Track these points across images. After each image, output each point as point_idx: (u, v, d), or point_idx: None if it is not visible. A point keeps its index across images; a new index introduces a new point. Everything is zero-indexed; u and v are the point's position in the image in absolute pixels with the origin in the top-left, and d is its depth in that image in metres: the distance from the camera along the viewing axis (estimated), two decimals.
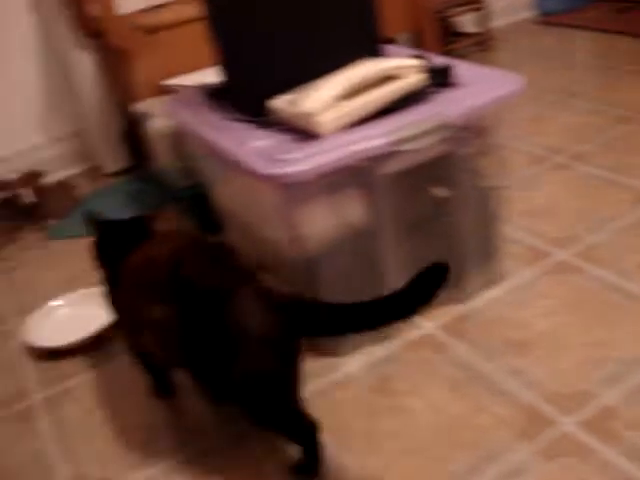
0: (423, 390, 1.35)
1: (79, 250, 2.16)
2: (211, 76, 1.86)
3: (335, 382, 1.40)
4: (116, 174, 2.65)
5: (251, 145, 1.33)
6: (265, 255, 1.59)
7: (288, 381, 1.13)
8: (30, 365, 1.68)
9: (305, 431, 1.17)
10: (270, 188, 1.29)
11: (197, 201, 1.98)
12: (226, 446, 1.31)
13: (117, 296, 1.32)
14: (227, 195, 1.70)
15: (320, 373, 1.43)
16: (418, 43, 2.84)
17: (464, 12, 3.21)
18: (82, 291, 1.87)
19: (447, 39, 3.11)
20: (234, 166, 1.37)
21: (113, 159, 2.65)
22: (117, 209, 2.35)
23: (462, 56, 3.00)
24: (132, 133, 2.56)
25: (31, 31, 2.60)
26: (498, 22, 3.42)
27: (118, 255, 1.29)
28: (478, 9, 3.21)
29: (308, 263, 1.37)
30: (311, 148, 1.27)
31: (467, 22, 3.27)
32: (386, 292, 1.07)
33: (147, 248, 1.24)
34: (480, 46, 3.24)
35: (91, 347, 1.68)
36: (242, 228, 1.68)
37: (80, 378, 1.59)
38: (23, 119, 2.68)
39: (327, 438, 1.25)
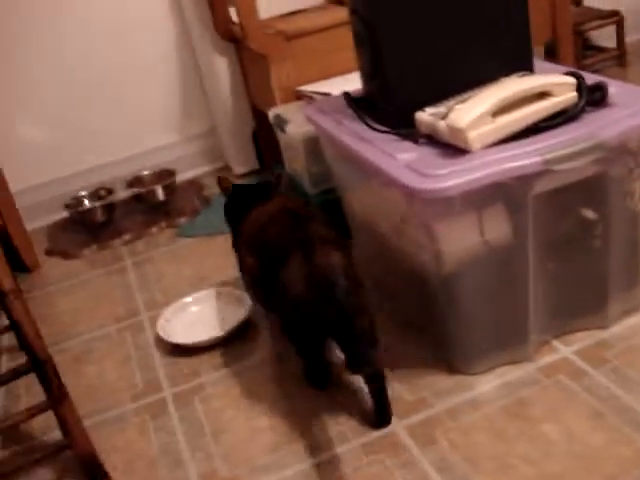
0: (560, 417, 1.31)
1: (208, 249, 2.22)
2: (348, 84, 1.87)
3: (468, 401, 1.38)
4: (245, 175, 2.70)
5: (398, 158, 1.32)
6: (398, 267, 1.58)
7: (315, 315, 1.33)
8: (161, 359, 1.73)
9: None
10: (415, 201, 1.28)
11: (328, 207, 1.99)
12: (356, 455, 1.31)
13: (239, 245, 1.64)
14: (362, 204, 1.70)
15: (453, 391, 1.40)
16: (553, 55, 2.77)
17: (600, 26, 3.11)
18: (211, 290, 1.91)
19: (582, 53, 3.03)
20: (379, 177, 1.37)
21: (242, 160, 2.70)
22: None
23: (597, 71, 2.91)
24: (263, 136, 2.61)
25: (172, 32, 2.69)
26: (633, 37, 3.30)
27: (245, 212, 1.62)
28: (615, 22, 3.10)
29: (446, 279, 1.35)
30: (460, 164, 1.25)
31: (603, 36, 3.17)
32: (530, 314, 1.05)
33: (258, 210, 1.58)
34: (616, 61, 3.13)
35: (221, 346, 1.71)
36: (374, 238, 1.68)
37: (210, 376, 1.63)
38: (158, 117, 2.78)
39: (457, 457, 1.24)
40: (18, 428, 1.59)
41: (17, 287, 1.32)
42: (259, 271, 1.47)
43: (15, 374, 1.52)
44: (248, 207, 1.61)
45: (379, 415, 1.38)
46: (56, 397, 1.34)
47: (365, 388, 1.39)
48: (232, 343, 1.72)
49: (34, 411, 1.39)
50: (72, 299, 2.12)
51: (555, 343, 1.48)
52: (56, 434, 1.50)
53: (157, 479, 1.37)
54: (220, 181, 1.78)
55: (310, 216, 1.46)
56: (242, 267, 1.62)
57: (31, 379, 1.44)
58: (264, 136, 2.59)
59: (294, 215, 1.48)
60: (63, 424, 1.36)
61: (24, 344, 1.35)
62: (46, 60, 2.59)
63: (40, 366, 1.33)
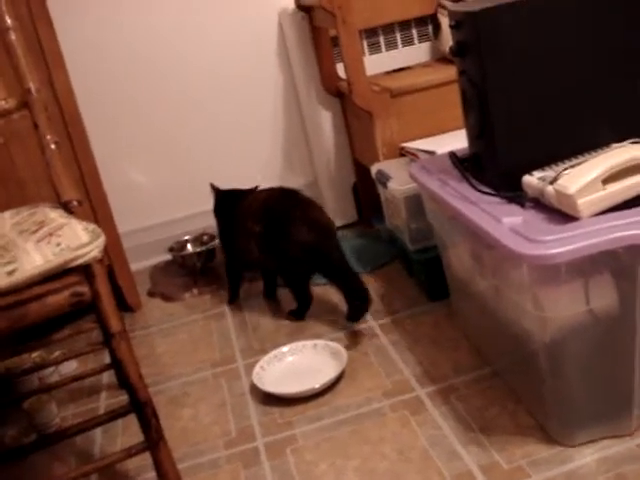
0: None
1: None
2: (451, 142, 1.88)
3: (565, 474, 1.33)
4: (343, 227, 2.72)
5: (504, 221, 1.32)
6: (497, 329, 1.56)
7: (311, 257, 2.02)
8: (255, 407, 1.74)
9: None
10: (522, 267, 1.26)
11: (427, 265, 1.99)
12: None
13: (227, 235, 2.29)
14: (462, 263, 1.69)
15: (551, 462, 1.36)
16: None
17: None
18: (308, 341, 1.92)
19: None
20: (483, 240, 1.37)
21: (342, 213, 2.73)
22: None
23: None
24: (363, 190, 2.64)
25: (280, 86, 2.77)
26: None
27: (231, 209, 2.26)
28: None
29: (549, 346, 1.32)
30: (568, 231, 1.23)
31: None
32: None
33: (255, 194, 2.22)
34: None
35: (315, 398, 1.72)
36: (473, 298, 1.66)
37: (303, 428, 1.63)
38: (262, 168, 2.84)
39: None
40: (114, 467, 1.63)
41: (124, 328, 1.37)
42: (265, 234, 2.04)
43: (115, 414, 1.57)
44: (234, 205, 2.24)
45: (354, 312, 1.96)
46: (153, 439, 1.38)
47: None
48: (326, 396, 1.72)
49: (131, 452, 1.42)
50: (171, 341, 2.17)
51: None
52: (151, 475, 1.53)
53: None
54: (212, 187, 2.36)
55: (298, 191, 2.14)
56: (238, 244, 2.19)
57: (129, 419, 1.48)
58: (365, 190, 2.62)
59: (287, 191, 2.15)
60: (159, 466, 1.39)
61: (126, 384, 1.39)
62: (159, 108, 2.70)
63: (140, 407, 1.37)
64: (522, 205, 1.39)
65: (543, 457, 1.38)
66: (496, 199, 1.43)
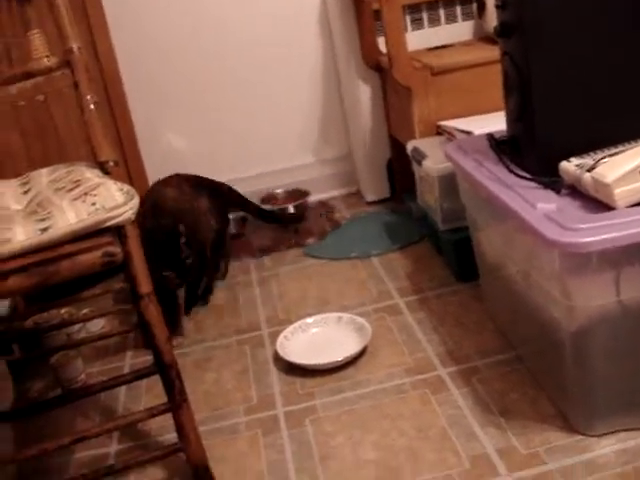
0: None
1: (333, 272, 2.24)
2: (489, 123, 1.86)
3: (583, 463, 1.33)
4: (374, 203, 2.72)
5: (538, 206, 1.30)
6: (525, 314, 1.55)
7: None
8: (277, 376, 1.76)
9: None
10: (553, 254, 1.25)
11: (457, 245, 1.98)
12: None
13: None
14: (493, 246, 1.68)
15: (569, 450, 1.36)
16: None
17: None
18: (333, 314, 1.93)
19: None
20: (516, 224, 1.36)
21: (374, 188, 2.73)
22: (371, 238, 2.41)
23: None
24: (397, 166, 2.63)
25: (320, 56, 2.76)
26: None
27: None
28: None
29: (576, 335, 1.32)
30: (603, 220, 1.22)
31: None
32: None
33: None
34: None
35: (337, 371, 1.73)
36: (503, 281, 1.65)
37: (323, 399, 1.64)
38: (297, 138, 2.84)
39: None
40: (136, 426, 1.65)
41: (152, 290, 1.38)
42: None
43: (139, 374, 1.59)
44: None
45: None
46: (176, 401, 1.39)
47: None
48: (348, 370, 1.73)
49: (154, 412, 1.44)
50: (198, 307, 2.19)
51: None
52: (171, 436, 1.55)
53: None
54: None
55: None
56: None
57: (153, 380, 1.50)
58: (399, 166, 2.61)
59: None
60: (180, 428, 1.41)
61: (151, 345, 1.41)
62: (198, 75, 2.71)
63: (164, 369, 1.39)
64: (558, 191, 1.37)
65: (561, 445, 1.38)
66: (532, 184, 1.42)
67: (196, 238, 2.09)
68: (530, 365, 1.61)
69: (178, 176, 2.27)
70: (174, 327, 2.04)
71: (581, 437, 1.39)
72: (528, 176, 1.44)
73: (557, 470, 1.32)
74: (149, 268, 1.60)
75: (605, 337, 1.31)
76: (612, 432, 1.38)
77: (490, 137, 1.60)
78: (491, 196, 1.45)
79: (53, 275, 1.22)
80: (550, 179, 1.40)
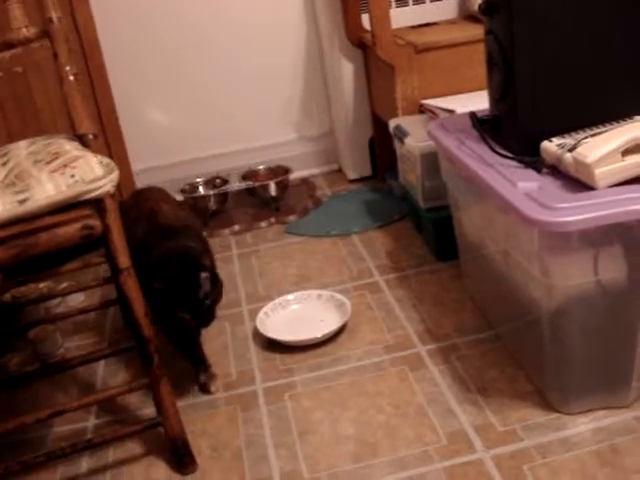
0: None
1: (314, 250, 2.24)
2: (472, 102, 1.86)
3: (560, 441, 1.34)
4: (356, 181, 2.72)
5: (519, 185, 1.31)
6: (504, 293, 1.56)
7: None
8: (256, 352, 1.76)
9: None
10: (533, 233, 1.26)
11: (438, 224, 1.99)
12: (438, 477, 1.30)
13: None
14: (473, 225, 1.68)
15: (546, 428, 1.37)
16: None
17: None
18: (313, 291, 1.93)
19: None
20: (497, 202, 1.36)
21: (356, 166, 2.72)
22: (352, 216, 2.41)
23: None
24: (379, 144, 2.62)
25: (303, 33, 2.73)
26: None
27: None
28: None
29: (554, 314, 1.33)
30: (583, 200, 1.22)
31: None
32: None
33: None
34: None
35: (317, 347, 1.74)
36: (482, 260, 1.66)
37: (302, 376, 1.65)
38: (279, 115, 2.83)
39: None
40: (114, 400, 1.65)
41: (132, 265, 1.38)
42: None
43: (118, 349, 1.59)
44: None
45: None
46: (155, 376, 1.39)
47: None
48: (328, 346, 1.74)
49: (132, 386, 1.44)
50: None
51: None
52: (150, 411, 1.55)
53: (240, 470, 1.40)
54: None
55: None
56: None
57: (132, 354, 1.50)
58: (381, 145, 2.60)
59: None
60: (158, 402, 1.41)
61: (130, 320, 1.41)
62: (180, 48, 2.68)
63: (143, 344, 1.38)
64: (539, 171, 1.38)
65: (538, 422, 1.39)
66: (513, 163, 1.42)
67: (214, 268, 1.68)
68: (508, 343, 1.63)
69: (151, 190, 1.95)
70: (199, 362, 1.69)
71: (558, 415, 1.40)
72: (509, 155, 1.44)
73: (533, 447, 1.33)
74: (160, 306, 1.53)
75: (583, 316, 1.32)
76: (588, 410, 1.40)
77: (472, 116, 1.60)
78: (472, 174, 1.45)
79: (32, 247, 1.21)
80: (531, 158, 1.40)
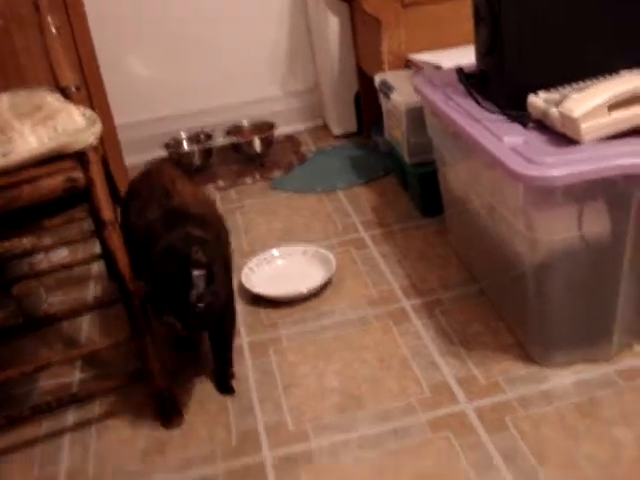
0: (633, 422, 1.28)
1: (298, 205, 2.24)
2: (459, 57, 1.84)
3: (541, 393, 1.36)
4: (341, 136, 2.70)
5: (505, 140, 1.30)
6: (489, 248, 1.57)
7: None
8: (241, 306, 1.76)
9: None
10: (518, 187, 1.26)
11: (423, 180, 1.98)
12: (422, 429, 1.32)
13: None
14: (459, 180, 1.68)
15: (527, 380, 1.39)
16: None
17: None
18: (298, 246, 1.93)
19: None
20: (483, 157, 1.36)
21: (341, 122, 2.70)
22: (337, 172, 2.40)
23: None
24: (365, 100, 2.60)
25: None
26: None
27: None
28: None
29: (538, 268, 1.34)
30: (569, 154, 1.22)
31: None
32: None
33: None
34: None
35: (301, 302, 1.74)
36: (468, 216, 1.67)
37: (287, 330, 1.66)
38: (264, 70, 2.80)
39: (525, 448, 1.24)
40: (99, 355, 1.65)
41: (116, 218, 1.37)
42: None
43: (103, 303, 1.59)
44: None
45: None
46: (140, 329, 1.39)
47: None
48: (312, 301, 1.74)
49: (117, 340, 1.45)
50: None
51: (638, 348, 1.44)
52: (135, 365, 1.55)
53: (226, 423, 1.42)
54: None
55: None
56: None
57: (117, 309, 1.50)
58: (366, 100, 2.58)
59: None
60: (143, 356, 1.41)
61: (115, 274, 1.40)
62: (164, 1, 2.64)
63: (128, 297, 1.38)
64: (525, 125, 1.37)
65: (520, 375, 1.41)
66: (499, 117, 1.41)
67: (226, 267, 1.50)
68: (492, 298, 1.64)
69: (165, 166, 1.73)
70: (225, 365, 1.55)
71: (540, 368, 1.42)
72: (496, 110, 1.43)
73: (515, 399, 1.35)
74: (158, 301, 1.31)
75: (566, 270, 1.33)
76: (570, 363, 1.42)
77: (459, 70, 1.59)
78: (458, 129, 1.45)
79: (15, 200, 1.20)
80: (517, 113, 1.39)
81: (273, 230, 2.12)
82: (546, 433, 1.27)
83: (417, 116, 1.89)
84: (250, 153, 2.56)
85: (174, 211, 1.47)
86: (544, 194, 1.24)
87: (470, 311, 1.61)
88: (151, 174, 1.65)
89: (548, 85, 1.39)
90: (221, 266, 1.41)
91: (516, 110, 1.40)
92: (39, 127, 1.26)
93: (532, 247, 1.32)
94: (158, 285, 1.31)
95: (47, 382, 1.62)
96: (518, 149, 1.27)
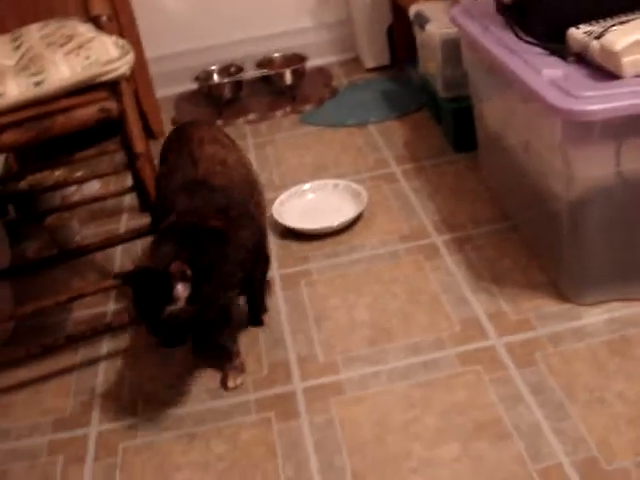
0: None
1: (330, 139, 2.22)
2: None
3: (573, 330, 1.36)
4: (374, 70, 2.66)
5: (544, 73, 1.27)
6: (523, 184, 1.55)
7: None
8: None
9: None
10: (556, 122, 1.23)
11: (457, 114, 1.95)
12: (451, 363, 1.33)
13: None
14: (494, 115, 1.66)
15: (559, 318, 1.39)
16: None
17: None
18: (329, 180, 1.93)
19: None
20: (520, 91, 1.33)
21: (374, 54, 2.66)
22: (369, 105, 2.38)
23: None
24: (398, 32, 2.55)
25: None
26: None
27: None
28: None
29: (574, 205, 1.32)
30: (609, 88, 1.19)
31: None
32: None
33: None
34: None
35: (332, 236, 1.74)
36: (502, 151, 1.64)
37: (318, 263, 1.66)
38: (295, 1, 2.75)
39: (554, 383, 1.24)
40: None
41: (148, 150, 1.37)
42: None
43: (136, 234, 1.60)
44: None
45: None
46: None
47: None
48: (343, 235, 1.74)
49: None
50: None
51: None
52: None
53: (257, 354, 1.44)
54: None
55: None
56: None
57: (148, 240, 1.50)
58: (400, 32, 2.53)
59: None
60: None
61: (147, 206, 1.41)
62: None
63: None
64: (564, 58, 1.34)
65: (551, 312, 1.41)
66: (538, 50, 1.38)
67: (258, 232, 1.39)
68: (524, 234, 1.63)
69: (196, 125, 1.51)
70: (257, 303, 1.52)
71: (571, 305, 1.42)
72: (535, 42, 1.40)
73: (546, 336, 1.35)
74: None
75: (602, 208, 1.31)
76: (602, 302, 1.41)
77: (498, 2, 1.55)
78: (496, 62, 1.42)
79: (48, 130, 1.20)
80: (557, 45, 1.36)
81: (304, 164, 2.11)
82: (576, 369, 1.28)
83: (453, 48, 1.85)
84: (281, 86, 2.53)
85: (195, 182, 1.33)
86: (582, 129, 1.22)
87: (501, 248, 1.61)
88: (181, 135, 1.48)
89: (589, 18, 1.36)
90: (241, 243, 1.29)
91: (555, 43, 1.37)
92: (72, 57, 1.25)
93: (568, 184, 1.30)
94: (131, 288, 1.21)
95: (81, 312, 1.65)
96: (557, 82, 1.24)
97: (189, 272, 1.15)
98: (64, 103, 1.20)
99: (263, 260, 1.45)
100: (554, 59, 1.34)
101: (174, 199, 1.31)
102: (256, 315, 1.51)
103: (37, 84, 1.20)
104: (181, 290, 1.15)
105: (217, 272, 1.22)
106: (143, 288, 1.17)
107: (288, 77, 2.52)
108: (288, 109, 2.45)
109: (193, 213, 1.27)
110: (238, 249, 1.28)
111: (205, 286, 1.18)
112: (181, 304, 1.16)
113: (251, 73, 2.57)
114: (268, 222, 1.80)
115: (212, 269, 1.21)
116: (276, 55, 2.65)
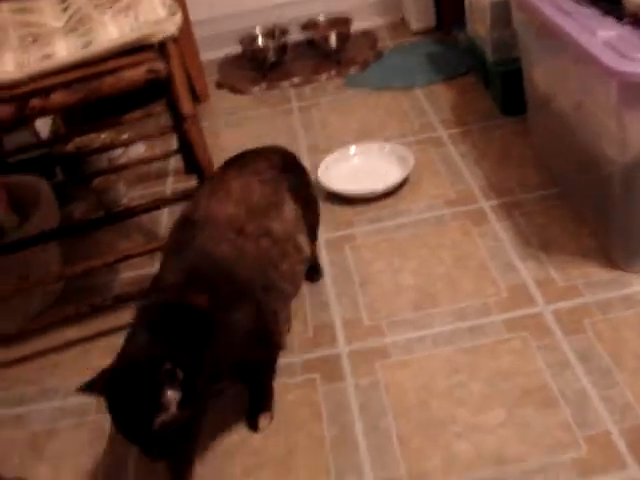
0: None
1: (375, 103, 2.20)
2: None
3: (622, 298, 1.34)
4: (420, 32, 2.61)
5: (598, 34, 1.24)
6: (574, 148, 1.52)
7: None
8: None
9: None
10: (611, 84, 1.20)
11: (506, 77, 1.92)
12: (498, 329, 1.32)
13: None
14: (545, 78, 1.62)
15: (608, 285, 1.37)
16: None
17: None
18: (375, 144, 1.91)
19: None
20: (574, 52, 1.30)
21: (420, 17, 2.61)
22: (415, 69, 2.34)
23: None
24: None
25: None
26: None
27: None
28: None
29: (627, 169, 1.29)
30: None
31: None
32: None
33: None
34: None
35: (377, 200, 1.73)
36: (551, 116, 1.61)
37: (363, 227, 1.66)
38: None
39: (601, 350, 1.23)
40: None
41: (195, 112, 1.37)
42: None
43: (182, 196, 1.60)
44: None
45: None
46: None
47: None
48: (389, 199, 1.73)
49: None
50: (237, 133, 2.18)
51: None
52: None
53: (303, 317, 1.44)
54: None
55: None
56: None
57: None
58: None
59: None
60: None
61: (195, 167, 1.42)
62: None
63: None
64: (619, 19, 1.30)
65: (601, 279, 1.38)
66: (592, 10, 1.34)
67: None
68: (573, 201, 1.59)
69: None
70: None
71: (621, 273, 1.39)
72: (589, 2, 1.36)
73: (594, 303, 1.33)
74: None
75: None
76: None
77: None
78: (548, 23, 1.38)
79: (96, 91, 1.21)
80: (612, 6, 1.32)
81: (349, 128, 2.09)
82: (625, 336, 1.26)
83: (502, 9, 1.81)
84: (325, 49, 2.50)
85: (190, 247, 1.12)
86: (637, 91, 1.18)
87: (550, 214, 1.58)
88: (217, 175, 1.28)
89: None
90: (232, 328, 1.08)
91: (610, 3, 1.33)
92: (120, 17, 1.25)
93: (622, 148, 1.26)
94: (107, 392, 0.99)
95: (128, 274, 1.67)
96: (612, 44, 1.21)
97: (181, 375, 0.96)
98: (112, 64, 1.20)
99: (268, 347, 1.20)
100: (609, 20, 1.30)
101: (162, 262, 1.14)
102: (254, 413, 1.24)
103: (85, 45, 1.20)
104: (171, 395, 0.96)
105: (206, 363, 1.02)
106: (121, 397, 0.97)
107: (333, 40, 2.49)
108: (333, 72, 2.43)
109: (175, 286, 1.08)
110: (227, 334, 1.07)
111: (198, 382, 1.00)
112: (173, 410, 0.96)
113: (296, 36, 2.55)
114: (314, 185, 1.81)
115: (202, 361, 1.01)
116: (321, 18, 2.62)
